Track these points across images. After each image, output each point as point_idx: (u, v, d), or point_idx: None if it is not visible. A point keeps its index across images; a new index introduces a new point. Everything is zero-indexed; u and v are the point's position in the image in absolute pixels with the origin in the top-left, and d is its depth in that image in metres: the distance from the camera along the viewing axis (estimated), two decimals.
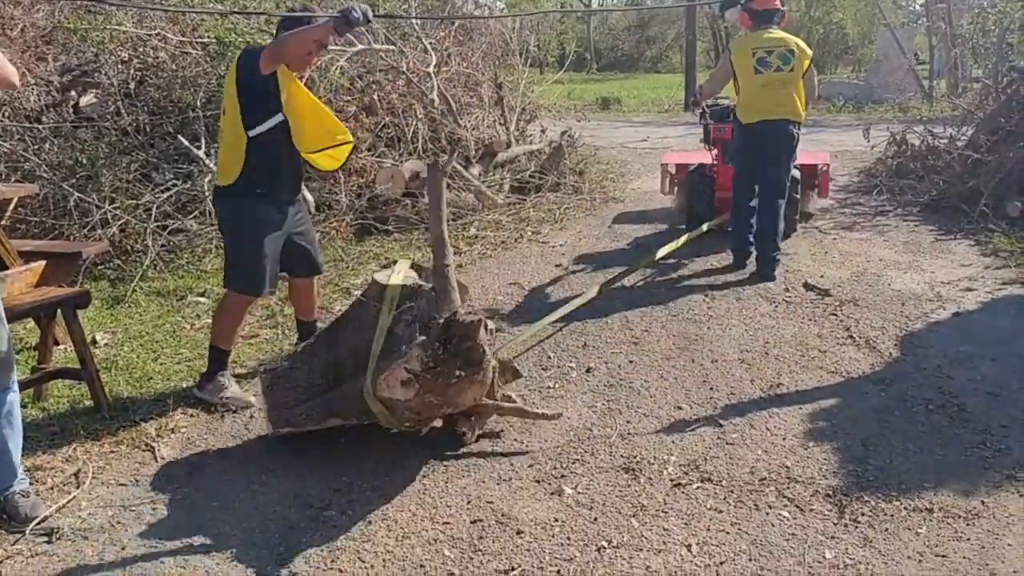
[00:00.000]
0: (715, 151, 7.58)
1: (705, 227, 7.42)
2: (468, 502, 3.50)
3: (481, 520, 3.37)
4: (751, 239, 6.68)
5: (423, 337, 3.57)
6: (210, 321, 5.70)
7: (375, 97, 9.03)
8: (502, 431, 4.09)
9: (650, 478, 3.65)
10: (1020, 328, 5.27)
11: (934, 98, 19.39)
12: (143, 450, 4.04)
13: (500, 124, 10.64)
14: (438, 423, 3.96)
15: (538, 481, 3.66)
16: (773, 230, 6.51)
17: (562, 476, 3.69)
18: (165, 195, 7.24)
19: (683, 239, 7.14)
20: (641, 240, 7.91)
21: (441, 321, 3.64)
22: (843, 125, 16.33)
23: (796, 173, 7.11)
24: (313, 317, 4.93)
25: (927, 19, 23.07)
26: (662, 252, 6.70)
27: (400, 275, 3.95)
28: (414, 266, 4.17)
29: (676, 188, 8.49)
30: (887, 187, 9.46)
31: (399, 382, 3.55)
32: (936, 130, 9.93)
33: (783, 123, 6.37)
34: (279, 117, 4.22)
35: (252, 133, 4.19)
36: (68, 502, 3.56)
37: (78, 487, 3.68)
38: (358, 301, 4.06)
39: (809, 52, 6.58)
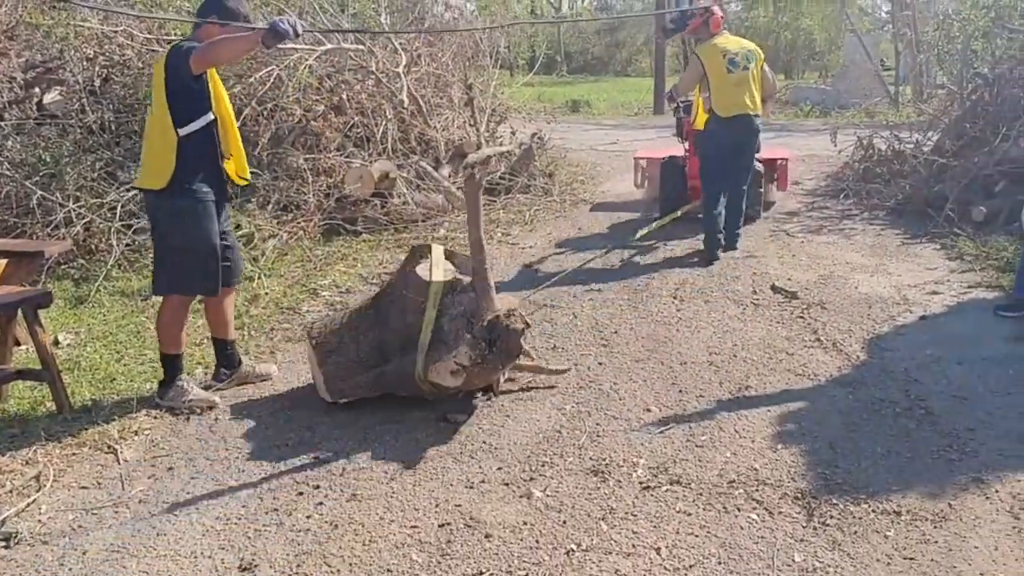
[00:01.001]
0: (687, 143, 8.39)
1: (679, 212, 8.13)
2: (436, 505, 3.47)
3: (449, 524, 3.33)
4: (721, 233, 7.21)
5: (470, 336, 4.09)
6: None
7: (344, 96, 8.96)
8: (464, 422, 4.07)
9: (619, 481, 3.63)
10: (985, 332, 5.32)
11: (900, 103, 19.60)
12: (106, 452, 3.98)
13: (470, 125, 10.60)
14: None
15: (507, 484, 3.63)
16: (740, 209, 7.41)
17: (531, 479, 3.67)
18: (130, 194, 7.14)
19: (657, 223, 7.97)
20: (618, 226, 8.38)
21: (486, 323, 4.12)
22: (810, 129, 16.47)
23: (759, 167, 8.09)
24: (229, 336, 4.73)
25: (893, 26, 23.34)
26: (641, 232, 7.70)
27: (440, 269, 4.39)
28: (447, 253, 4.61)
29: (647, 181, 9.36)
30: (854, 191, 9.54)
31: (449, 372, 4.13)
32: (902, 135, 10.03)
33: (753, 116, 7.09)
34: (209, 116, 4.22)
35: (183, 132, 4.14)
36: (28, 505, 3.49)
37: (38, 490, 3.61)
38: (395, 285, 4.50)
39: (761, 53, 7.32)
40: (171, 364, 4.44)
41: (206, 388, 4.57)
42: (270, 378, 4.83)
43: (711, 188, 7.22)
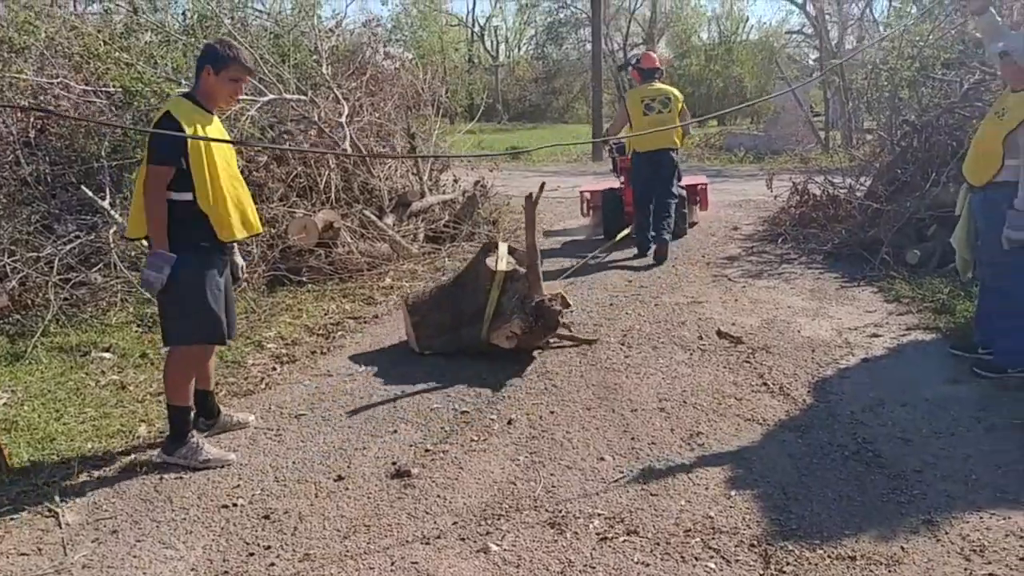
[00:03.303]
0: (622, 178, 10.11)
1: (619, 236, 9.50)
2: (392, 563, 3.41)
3: None
4: (650, 236, 8.96)
5: (522, 312, 5.66)
6: (116, 378, 5.56)
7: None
8: (416, 475, 4.03)
9: (576, 532, 3.62)
10: (926, 373, 5.43)
11: (831, 148, 20.12)
12: (46, 516, 3.85)
13: (413, 174, 10.64)
14: None
15: (463, 539, 3.59)
16: (667, 225, 8.97)
17: (487, 533, 3.63)
18: (68, 247, 7.00)
19: (610, 243, 9.44)
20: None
21: (534, 304, 5.69)
22: (745, 175, 16.81)
23: (683, 192, 9.84)
24: (211, 386, 4.71)
25: (820, 73, 24.02)
26: (592, 255, 9.03)
27: (503, 261, 6.01)
28: (510, 249, 6.23)
29: (592, 210, 10.81)
30: (791, 235, 9.73)
31: (505, 337, 5.72)
32: (836, 180, 10.28)
33: (667, 151, 8.84)
34: (187, 196, 4.15)
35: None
36: None
37: None
38: (470, 271, 6.16)
39: (681, 97, 9.07)
40: (180, 417, 4.33)
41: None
42: (248, 426, 4.79)
43: (639, 209, 9.10)
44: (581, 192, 11.36)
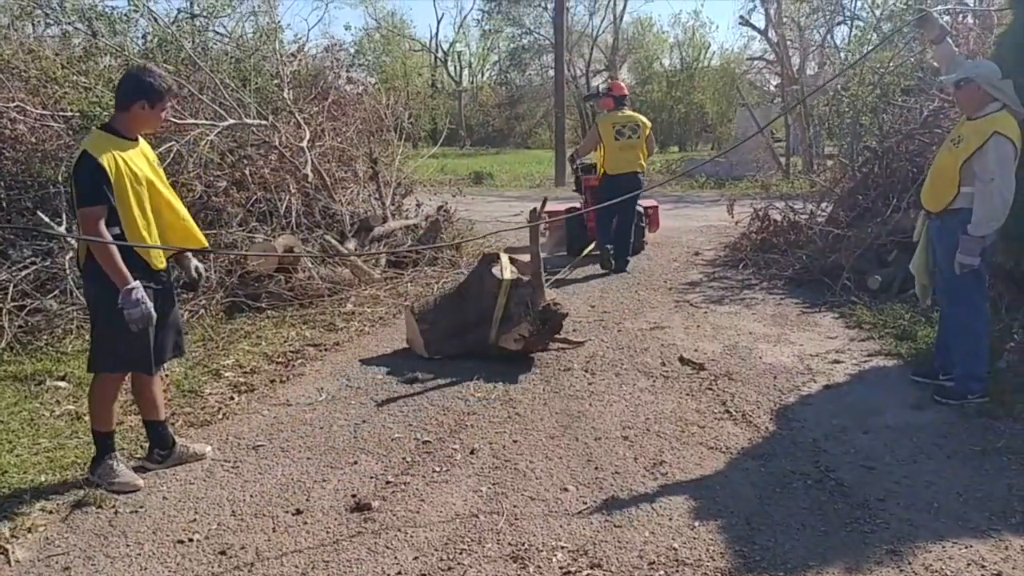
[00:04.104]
0: (584, 196, 10.89)
1: (583, 253, 10.23)
2: None
3: None
4: (611, 249, 9.69)
5: (528, 316, 6.19)
6: (71, 408, 5.44)
7: (246, 172, 8.85)
8: (377, 508, 3.95)
9: (539, 567, 3.56)
10: (888, 400, 5.45)
11: (791, 174, 20.34)
12: None
13: (375, 199, 10.59)
14: None
15: (424, 574, 3.52)
16: (627, 241, 9.90)
17: (449, 568, 3.56)
18: (23, 273, 6.85)
19: (575, 262, 10.10)
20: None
21: (540, 309, 6.20)
22: (707, 201, 16.95)
23: (641, 210, 10.70)
24: (160, 416, 4.61)
25: (782, 99, 24.34)
26: (562, 272, 9.49)
27: (508, 271, 6.59)
28: (511, 259, 6.86)
29: (549, 230, 11.35)
30: (752, 261, 9.80)
31: (513, 340, 6.27)
32: (797, 206, 10.38)
33: (634, 174, 9.65)
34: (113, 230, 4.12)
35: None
36: None
37: None
38: (474, 280, 6.68)
39: (648, 124, 9.95)
40: (102, 441, 4.38)
41: (137, 470, 4.51)
42: (205, 457, 4.70)
43: (603, 225, 9.86)
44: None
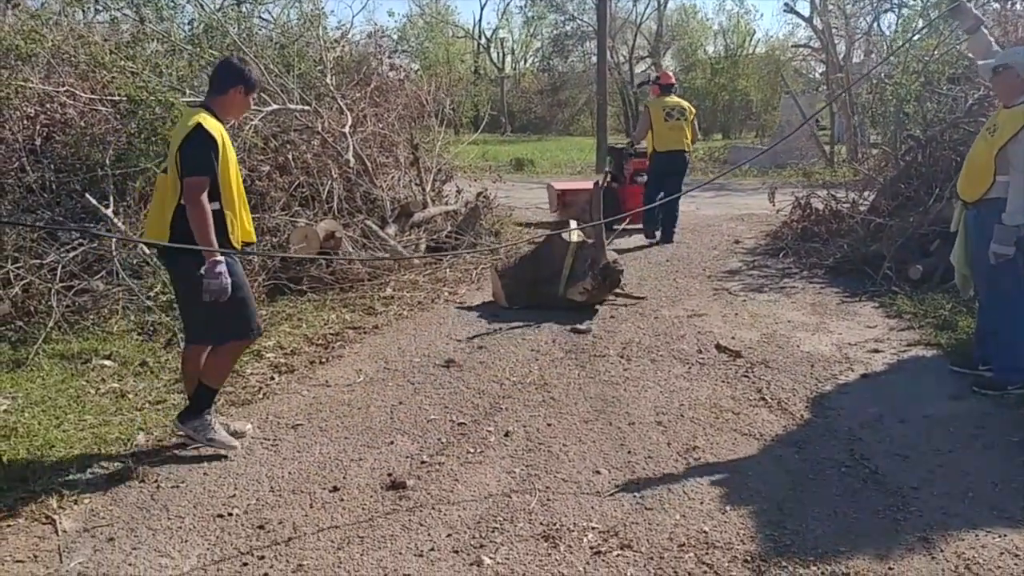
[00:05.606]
0: (626, 176, 11.93)
1: (619, 228, 11.23)
2: (385, 575, 3.41)
3: None
4: (659, 222, 10.92)
5: (591, 273, 7.25)
6: (116, 386, 5.56)
7: (289, 156, 8.96)
8: (412, 487, 4.02)
9: (570, 546, 3.61)
10: (926, 390, 5.42)
11: (835, 163, 20.11)
12: (43, 523, 3.85)
13: (416, 184, 10.66)
14: None
15: (456, 551, 3.58)
16: (675, 214, 11.06)
17: (481, 546, 3.62)
18: (71, 254, 7.01)
19: (610, 238, 10.15)
20: None
21: (601, 266, 7.28)
22: (748, 189, 16.83)
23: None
24: (221, 384, 4.82)
25: (827, 87, 24.05)
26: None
27: (575, 235, 7.66)
28: (578, 224, 8.37)
29: (563, 206, 11.91)
30: (793, 250, 9.74)
31: (578, 293, 7.36)
32: (839, 195, 10.29)
33: (681, 152, 10.66)
34: (215, 205, 4.28)
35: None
36: None
37: None
38: (546, 243, 7.79)
39: (693, 110, 11.01)
40: (206, 395, 4.59)
41: (179, 447, 4.65)
42: (245, 436, 4.80)
43: (651, 196, 10.58)
44: (549, 186, 13.06)
